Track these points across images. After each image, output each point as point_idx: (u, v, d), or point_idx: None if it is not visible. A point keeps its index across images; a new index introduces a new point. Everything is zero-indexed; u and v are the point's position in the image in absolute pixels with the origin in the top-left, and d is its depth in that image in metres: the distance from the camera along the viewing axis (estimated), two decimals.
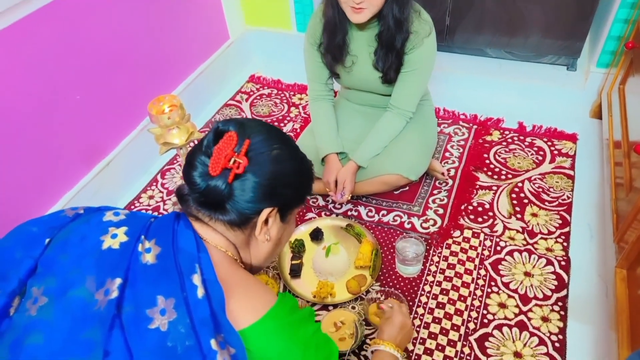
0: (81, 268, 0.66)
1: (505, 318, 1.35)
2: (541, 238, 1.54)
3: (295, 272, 1.49)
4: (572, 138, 1.88)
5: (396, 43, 1.43)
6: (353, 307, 1.40)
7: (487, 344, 1.30)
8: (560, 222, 1.59)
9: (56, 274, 0.66)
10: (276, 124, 2.12)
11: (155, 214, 1.70)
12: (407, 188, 1.73)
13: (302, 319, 0.77)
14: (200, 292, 0.65)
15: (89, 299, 0.63)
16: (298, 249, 1.54)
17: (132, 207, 1.78)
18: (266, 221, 0.76)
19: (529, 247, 1.52)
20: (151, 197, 1.81)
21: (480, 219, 1.61)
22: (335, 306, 1.41)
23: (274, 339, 0.70)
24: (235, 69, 2.43)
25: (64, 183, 1.64)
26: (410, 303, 1.40)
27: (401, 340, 1.10)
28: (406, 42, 1.44)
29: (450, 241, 1.55)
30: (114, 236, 0.70)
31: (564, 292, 1.40)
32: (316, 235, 1.58)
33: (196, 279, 0.66)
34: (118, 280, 0.65)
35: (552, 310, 1.36)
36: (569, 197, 1.66)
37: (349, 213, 1.68)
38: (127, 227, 0.72)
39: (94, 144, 1.71)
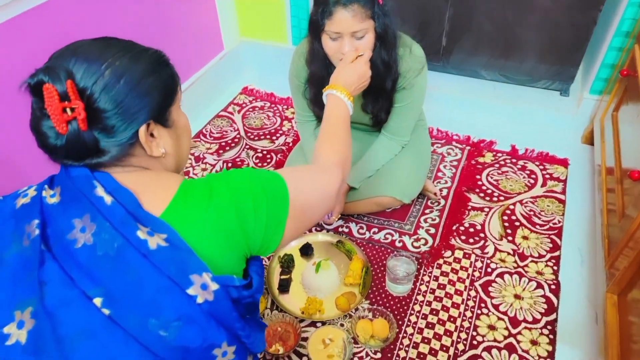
0: (4, 232, 0.68)
1: (495, 340, 1.33)
2: (532, 261, 1.54)
3: (284, 287, 1.46)
4: (564, 163, 1.90)
5: (386, 86, 1.41)
6: (342, 325, 1.37)
7: None
8: (550, 245, 1.58)
9: None
10: (268, 137, 2.10)
11: None
12: (399, 207, 1.72)
13: (211, 175, 0.74)
14: (108, 200, 0.65)
15: (21, 252, 0.65)
16: (287, 264, 1.51)
17: None
18: (152, 135, 0.72)
19: (520, 269, 1.51)
20: None
21: (471, 240, 1.61)
22: (323, 323, 1.38)
23: (194, 206, 0.68)
24: (228, 80, 2.42)
25: None
26: (400, 322, 1.38)
27: (355, 89, 1.12)
28: (396, 83, 1.42)
29: (441, 261, 1.54)
30: (25, 195, 0.71)
31: (553, 316, 1.39)
32: (306, 250, 1.55)
33: (99, 191, 0.66)
34: (35, 222, 0.66)
35: (542, 333, 1.34)
36: (559, 222, 1.66)
37: (340, 230, 1.66)
38: (36, 186, 0.73)
39: None
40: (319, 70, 1.41)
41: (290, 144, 2.04)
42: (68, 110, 0.63)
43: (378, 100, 1.45)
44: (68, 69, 0.64)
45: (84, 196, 0.66)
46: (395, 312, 1.40)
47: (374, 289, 1.47)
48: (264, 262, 1.56)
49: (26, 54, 1.41)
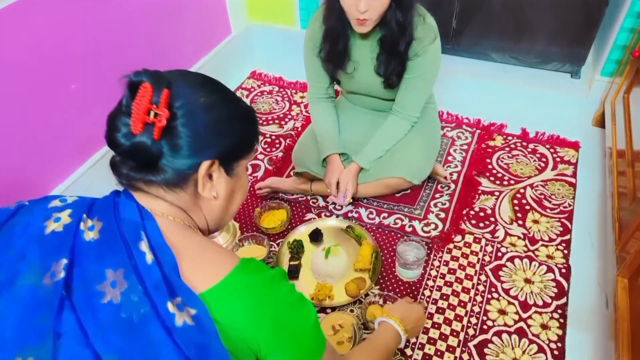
0: (26, 256, 0.64)
1: (505, 325, 1.34)
2: (542, 245, 1.53)
3: (294, 273, 1.47)
4: (575, 146, 1.88)
5: (399, 48, 1.41)
6: (352, 311, 1.39)
7: (486, 350, 1.29)
8: (561, 229, 1.58)
9: (2, 267, 0.64)
10: (277, 121, 2.10)
11: None
12: (409, 191, 1.72)
13: (273, 277, 0.69)
14: (149, 258, 0.62)
15: (37, 286, 0.61)
16: (297, 250, 1.52)
17: None
18: (210, 177, 0.71)
19: (530, 253, 1.51)
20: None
21: (481, 224, 1.61)
22: (333, 309, 1.39)
23: (240, 299, 0.65)
24: (236, 64, 2.41)
25: (57, 174, 1.61)
26: None
27: (411, 328, 1.11)
28: (409, 47, 1.41)
29: (451, 246, 1.54)
30: (57, 220, 0.67)
31: (563, 300, 1.39)
32: (316, 236, 1.56)
33: (143, 246, 0.63)
34: (63, 261, 0.62)
35: (552, 317, 1.35)
36: (570, 205, 1.66)
37: (350, 215, 1.67)
38: (71, 209, 0.69)
39: (89, 135, 1.68)
40: (334, 25, 1.42)
41: (300, 129, 2.04)
42: (152, 113, 0.64)
43: (390, 61, 1.45)
44: (170, 81, 0.67)
45: (126, 246, 0.63)
46: None
47: (384, 274, 1.48)
48: (274, 249, 1.57)
49: (25, 43, 1.40)
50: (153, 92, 0.64)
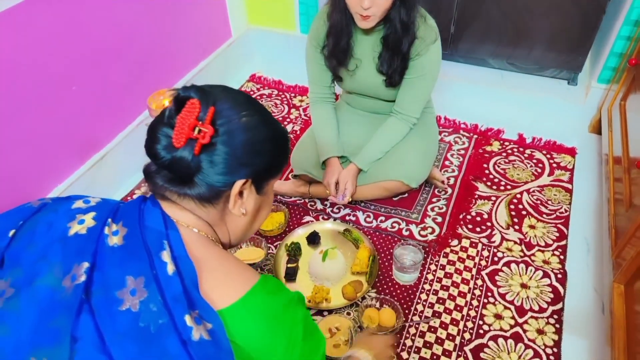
0: (47, 256, 0.64)
1: (501, 329, 1.34)
2: (538, 250, 1.54)
3: (291, 275, 1.47)
4: (571, 152, 1.89)
5: (402, 47, 1.42)
6: (348, 313, 1.39)
7: (482, 354, 1.29)
8: (557, 235, 1.59)
9: (22, 265, 0.64)
10: None
11: None
12: (406, 195, 1.72)
13: (290, 300, 0.70)
14: (170, 269, 0.63)
15: (56, 287, 0.61)
16: (294, 252, 1.52)
17: None
18: (241, 194, 0.72)
19: (526, 258, 1.52)
20: (146, 194, 1.78)
21: (478, 229, 1.61)
22: (330, 312, 1.39)
23: (256, 320, 0.66)
24: (236, 68, 2.42)
25: (55, 175, 1.60)
26: (407, 311, 1.39)
27: (378, 353, 1.05)
28: (412, 45, 1.43)
29: (448, 250, 1.54)
30: (81, 222, 0.67)
31: (559, 305, 1.39)
32: (313, 239, 1.56)
33: (165, 256, 0.64)
34: (85, 265, 0.62)
35: (548, 322, 1.35)
36: (566, 211, 1.66)
37: (347, 218, 1.67)
38: (95, 212, 0.69)
39: (88, 136, 1.68)
40: (338, 21, 1.43)
41: (298, 132, 2.04)
42: (196, 129, 0.65)
43: (394, 59, 1.46)
44: (216, 98, 0.68)
45: (148, 255, 0.64)
46: (402, 301, 1.41)
47: (381, 277, 1.48)
48: (270, 251, 1.57)
49: (26, 45, 1.40)
50: (200, 109, 0.65)
